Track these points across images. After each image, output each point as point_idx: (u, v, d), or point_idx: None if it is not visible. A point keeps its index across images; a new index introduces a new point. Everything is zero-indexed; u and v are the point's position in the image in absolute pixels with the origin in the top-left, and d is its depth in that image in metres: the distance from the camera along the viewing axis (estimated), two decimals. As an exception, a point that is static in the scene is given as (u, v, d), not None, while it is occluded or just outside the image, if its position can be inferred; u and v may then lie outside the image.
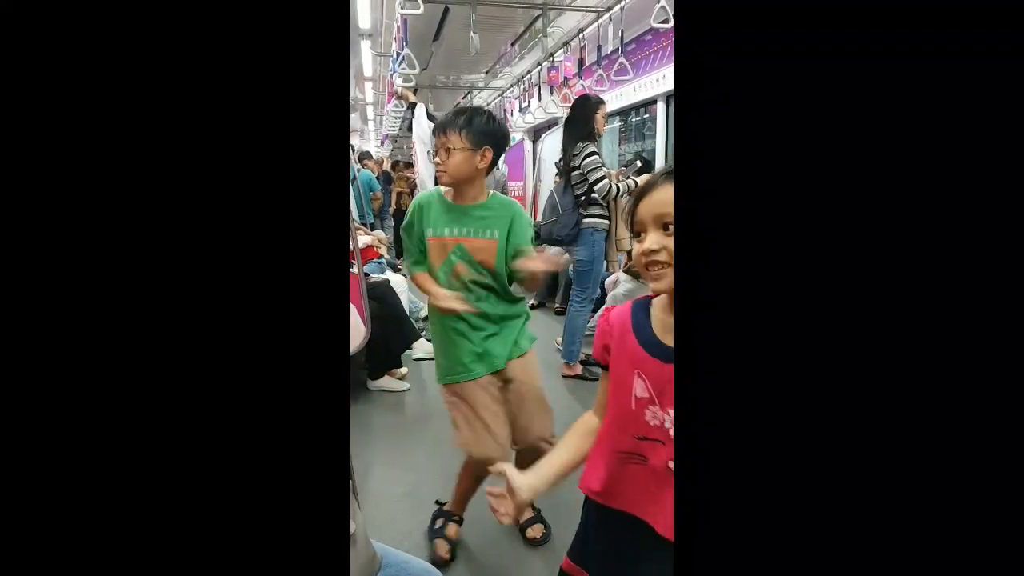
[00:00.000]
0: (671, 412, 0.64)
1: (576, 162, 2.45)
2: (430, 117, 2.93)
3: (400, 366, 2.66)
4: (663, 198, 0.63)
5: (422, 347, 2.88)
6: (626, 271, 2.66)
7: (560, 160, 2.61)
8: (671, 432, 0.64)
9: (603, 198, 2.42)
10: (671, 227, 0.62)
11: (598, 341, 0.72)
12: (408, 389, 2.59)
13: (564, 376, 2.66)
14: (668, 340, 0.66)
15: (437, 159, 1.26)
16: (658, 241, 0.62)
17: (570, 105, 2.68)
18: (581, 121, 2.46)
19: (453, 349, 1.29)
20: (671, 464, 0.65)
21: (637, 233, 0.65)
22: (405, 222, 1.35)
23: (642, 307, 0.70)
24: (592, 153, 2.40)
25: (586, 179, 2.43)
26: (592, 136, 2.45)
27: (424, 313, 3.46)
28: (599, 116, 2.46)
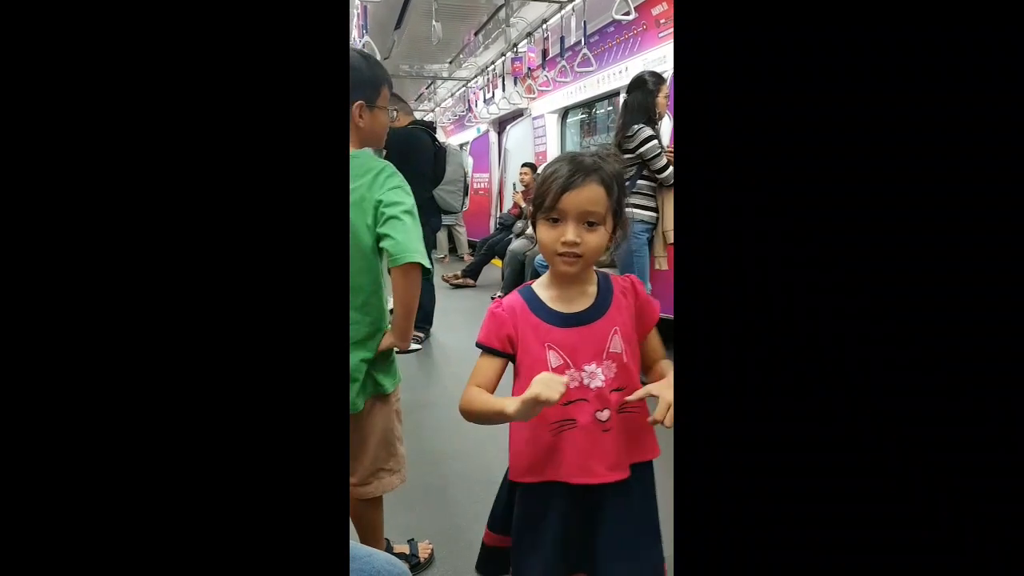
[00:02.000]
0: (586, 368, 0.74)
1: (629, 145, 2.19)
2: None
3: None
4: (592, 196, 0.71)
5: (389, 341, 2.84)
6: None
7: (615, 140, 2.34)
8: (590, 386, 0.74)
9: (668, 186, 2.19)
10: (593, 224, 0.72)
11: (496, 331, 0.77)
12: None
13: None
14: (564, 309, 0.76)
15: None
16: (579, 234, 0.71)
17: (626, 83, 2.40)
18: (638, 101, 2.23)
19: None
20: (598, 415, 0.74)
21: (554, 219, 0.72)
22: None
23: (529, 292, 0.79)
24: (651, 137, 2.17)
25: (638, 165, 2.20)
26: (652, 119, 2.22)
27: (391, 306, 3.41)
28: (660, 98, 2.22)
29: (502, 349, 0.77)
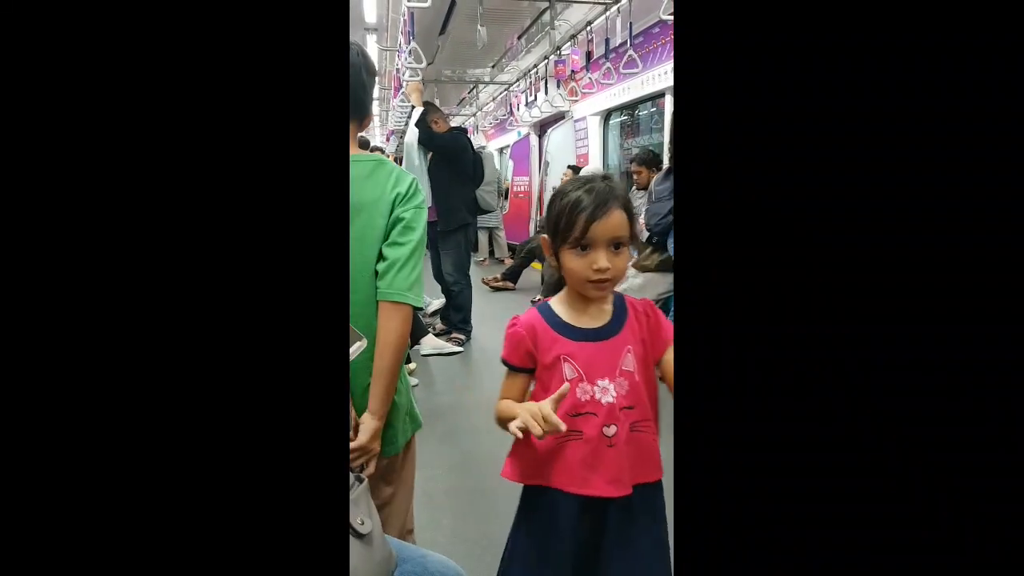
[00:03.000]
0: (599, 383, 0.76)
1: None
2: (420, 123, 2.89)
3: (408, 361, 2.66)
4: (618, 222, 0.74)
5: (430, 343, 2.87)
6: (633, 265, 2.63)
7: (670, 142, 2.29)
8: (601, 400, 0.76)
9: None
10: (619, 247, 0.75)
11: (515, 348, 0.79)
12: (416, 385, 2.58)
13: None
14: (581, 323, 0.79)
15: None
16: (609, 260, 0.74)
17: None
18: None
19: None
20: (605, 430, 0.75)
21: (584, 247, 0.74)
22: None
23: (546, 308, 0.81)
24: None
25: None
26: None
27: (432, 309, 3.45)
28: None
29: (522, 365, 0.80)
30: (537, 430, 0.67)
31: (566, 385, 0.73)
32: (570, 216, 0.74)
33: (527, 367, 0.80)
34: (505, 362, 0.81)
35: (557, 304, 0.81)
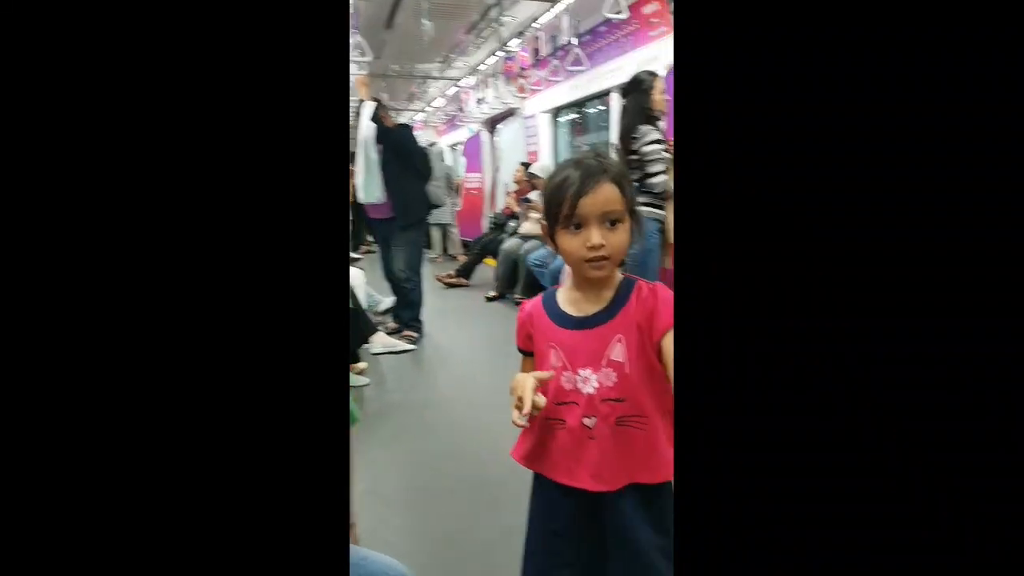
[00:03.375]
0: (581, 372, 0.74)
1: (635, 146, 2.18)
2: (375, 119, 2.86)
3: (357, 361, 2.61)
4: (609, 196, 0.71)
5: (381, 341, 2.83)
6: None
7: (618, 141, 2.31)
8: (582, 390, 0.74)
9: (658, 195, 2.17)
10: (614, 223, 0.71)
11: (520, 332, 0.82)
12: (367, 384, 2.54)
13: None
14: (572, 311, 0.77)
15: None
16: (603, 236, 0.70)
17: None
18: (636, 103, 2.22)
19: None
20: (585, 421, 0.74)
21: (577, 226, 0.71)
22: None
23: (551, 294, 0.81)
24: (656, 140, 2.13)
25: (643, 166, 2.17)
26: (651, 118, 2.19)
27: (383, 307, 3.40)
28: (655, 94, 2.19)
29: (527, 349, 0.82)
30: (515, 417, 0.67)
31: (550, 372, 0.74)
32: (559, 195, 0.71)
33: (531, 350, 0.80)
34: (518, 346, 0.83)
35: (563, 290, 0.80)
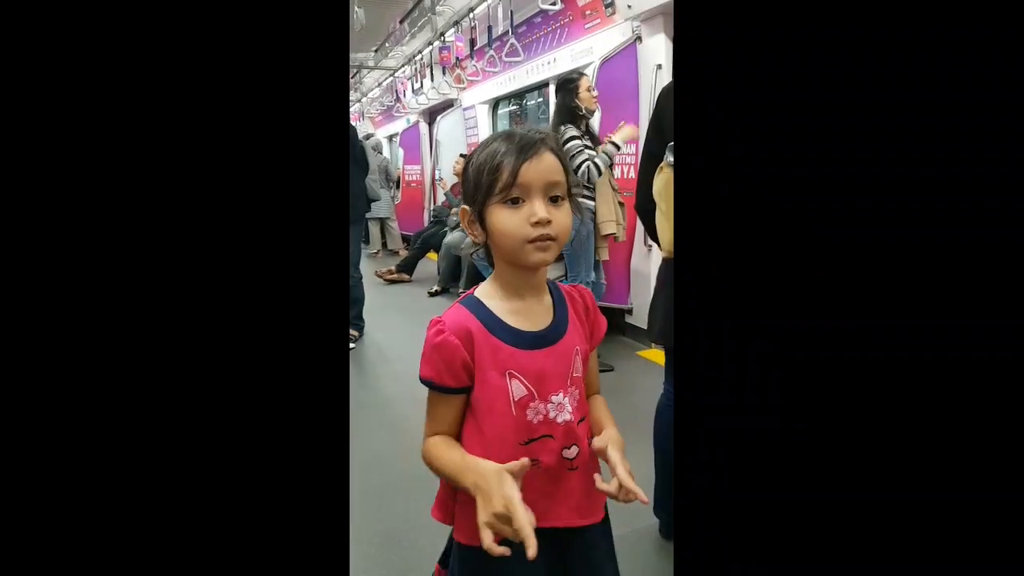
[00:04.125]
0: (553, 399, 0.61)
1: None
2: None
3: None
4: (552, 165, 0.59)
5: None
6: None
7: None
8: (557, 420, 0.61)
9: (588, 182, 2.23)
10: (559, 200, 0.60)
11: (448, 363, 0.60)
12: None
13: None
14: (526, 326, 0.62)
15: None
16: (548, 211, 0.58)
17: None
18: (560, 102, 2.31)
19: None
20: (565, 453, 0.62)
21: (515, 200, 0.58)
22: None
23: (478, 306, 0.62)
24: (572, 138, 2.21)
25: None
26: (575, 117, 2.27)
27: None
28: (581, 92, 2.27)
29: (458, 385, 0.61)
30: (490, 544, 0.52)
31: (525, 460, 0.56)
32: (492, 165, 0.58)
33: (465, 385, 0.61)
34: (431, 383, 0.61)
35: (487, 297, 0.63)
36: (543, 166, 0.58)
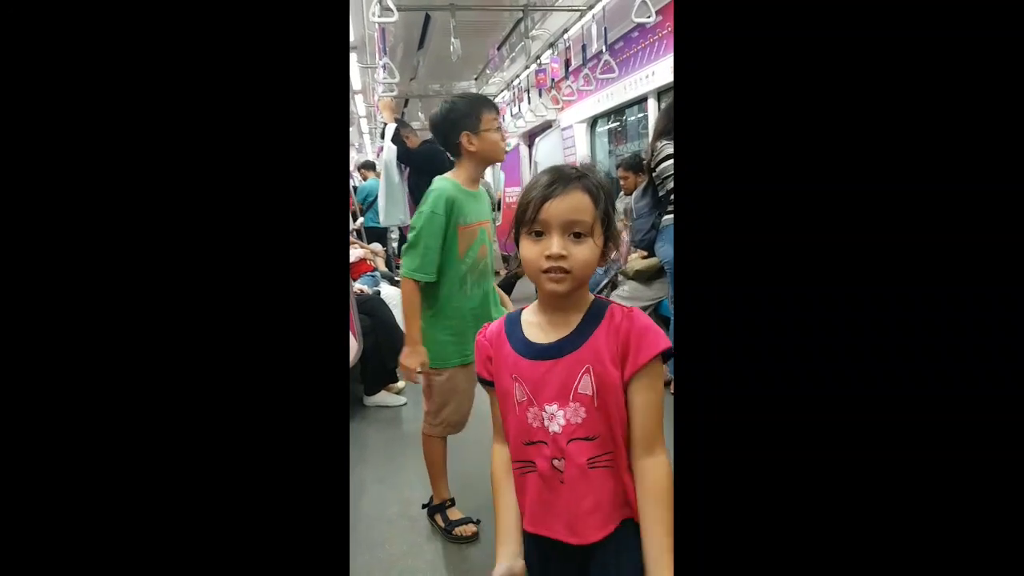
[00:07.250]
0: (547, 408, 0.67)
1: (653, 163, 2.22)
2: (395, 139, 2.91)
3: (396, 380, 2.61)
4: (577, 204, 0.64)
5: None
6: (620, 272, 2.59)
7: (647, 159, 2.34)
8: (548, 429, 0.67)
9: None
10: (580, 235, 0.64)
11: (480, 359, 0.74)
12: (405, 403, 2.54)
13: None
14: (538, 338, 0.69)
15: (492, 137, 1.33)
16: (565, 247, 0.64)
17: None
18: (662, 117, 2.23)
19: (472, 332, 1.19)
20: (555, 463, 0.67)
21: (538, 233, 0.65)
22: (430, 217, 1.30)
23: (514, 317, 0.73)
24: (669, 156, 2.11)
25: (664, 183, 2.18)
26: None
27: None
28: None
29: (489, 378, 0.73)
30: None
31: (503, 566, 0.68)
32: (525, 200, 0.66)
33: (493, 380, 0.72)
34: (479, 375, 0.74)
35: (528, 313, 0.72)
36: (565, 205, 0.64)
